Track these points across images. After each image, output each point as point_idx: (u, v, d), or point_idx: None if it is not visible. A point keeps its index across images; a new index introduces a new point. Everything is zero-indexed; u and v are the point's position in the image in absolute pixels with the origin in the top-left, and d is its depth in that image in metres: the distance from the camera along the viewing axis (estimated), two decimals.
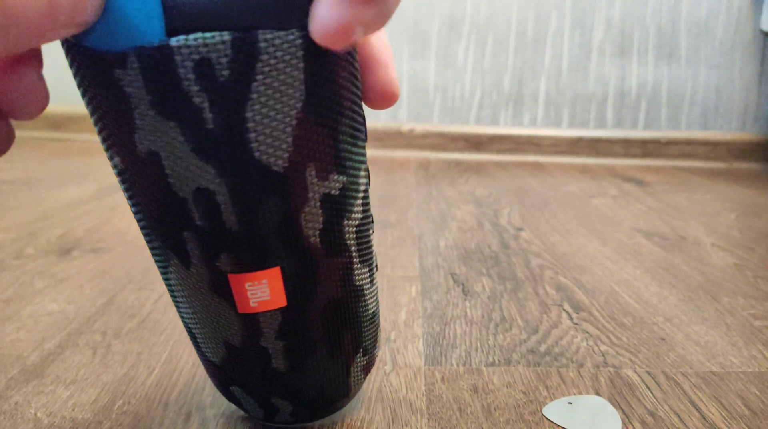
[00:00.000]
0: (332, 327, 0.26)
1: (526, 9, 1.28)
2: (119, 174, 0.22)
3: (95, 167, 1.03)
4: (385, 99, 0.24)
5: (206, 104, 0.19)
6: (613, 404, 0.33)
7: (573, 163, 1.29)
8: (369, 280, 0.27)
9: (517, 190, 0.97)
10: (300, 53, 0.19)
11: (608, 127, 1.32)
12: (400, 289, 0.51)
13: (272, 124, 0.20)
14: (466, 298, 0.49)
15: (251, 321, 0.24)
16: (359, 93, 0.23)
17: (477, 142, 1.31)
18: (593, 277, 0.55)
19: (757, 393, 0.35)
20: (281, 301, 0.23)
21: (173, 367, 0.36)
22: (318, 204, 0.22)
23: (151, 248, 0.24)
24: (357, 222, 0.25)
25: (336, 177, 0.23)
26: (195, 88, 0.19)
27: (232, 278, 0.22)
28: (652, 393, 0.35)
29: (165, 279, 0.25)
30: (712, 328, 0.45)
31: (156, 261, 0.24)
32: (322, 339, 0.26)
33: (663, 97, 1.31)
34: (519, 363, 0.38)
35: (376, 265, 0.29)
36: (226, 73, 0.19)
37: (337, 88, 0.21)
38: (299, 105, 0.20)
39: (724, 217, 0.82)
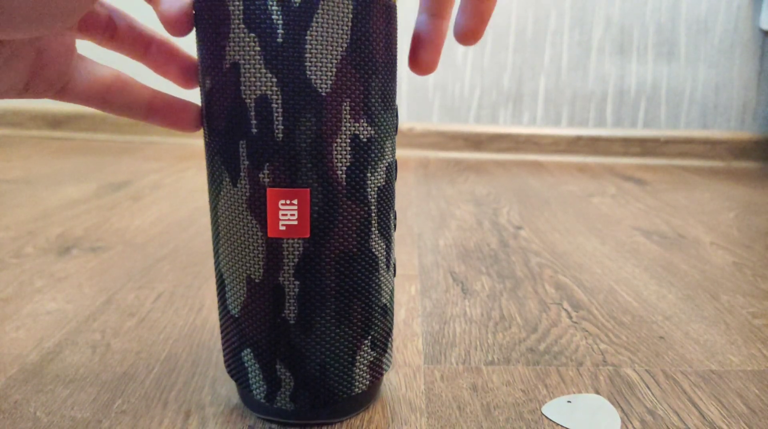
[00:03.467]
0: (343, 286, 0.28)
1: (525, 8, 1.28)
2: (206, 95, 0.27)
3: (95, 166, 1.03)
4: (425, 69, 0.30)
5: (281, 22, 0.25)
6: (612, 403, 0.34)
7: (572, 161, 1.29)
8: (385, 258, 0.30)
9: (517, 189, 0.97)
10: (350, 6, 0.25)
11: (607, 126, 1.32)
12: (399, 287, 0.51)
13: (323, 52, 0.25)
14: (465, 297, 0.49)
15: (276, 247, 0.27)
16: (393, 63, 0.28)
17: (476, 141, 1.31)
18: (592, 276, 0.55)
19: (757, 391, 0.35)
20: (305, 231, 0.27)
21: (172, 366, 0.36)
22: (348, 140, 0.27)
23: (210, 173, 0.28)
24: (380, 184, 0.29)
25: (365, 124, 0.27)
26: (275, 8, 0.25)
27: (270, 193, 0.26)
28: (651, 391, 0.35)
29: (214, 208, 0.29)
30: (711, 327, 0.45)
31: (210, 187, 0.28)
32: (333, 296, 0.28)
33: (662, 96, 1.31)
34: (518, 362, 0.38)
35: (395, 264, 0.31)
36: (298, 0, 0.25)
37: (375, 46, 0.27)
38: (344, 46, 0.26)
39: (723, 216, 0.82)
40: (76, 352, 0.38)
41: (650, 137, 1.30)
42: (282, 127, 0.26)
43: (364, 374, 0.30)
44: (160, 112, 0.29)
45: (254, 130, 0.26)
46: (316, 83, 0.26)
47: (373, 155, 0.28)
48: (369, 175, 0.28)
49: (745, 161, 1.31)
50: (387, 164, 0.29)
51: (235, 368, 0.30)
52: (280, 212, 0.26)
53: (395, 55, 0.28)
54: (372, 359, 0.30)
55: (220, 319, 0.30)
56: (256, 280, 0.28)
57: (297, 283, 0.27)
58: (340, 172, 0.27)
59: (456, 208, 0.82)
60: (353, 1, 0.25)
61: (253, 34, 0.25)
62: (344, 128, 0.26)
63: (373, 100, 0.27)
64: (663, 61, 1.29)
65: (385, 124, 0.28)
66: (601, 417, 0.32)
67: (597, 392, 0.35)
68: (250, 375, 0.29)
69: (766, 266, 0.60)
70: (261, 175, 0.26)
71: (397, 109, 0.29)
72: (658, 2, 1.27)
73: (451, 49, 1.29)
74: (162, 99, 0.29)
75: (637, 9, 1.27)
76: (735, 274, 0.57)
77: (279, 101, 0.25)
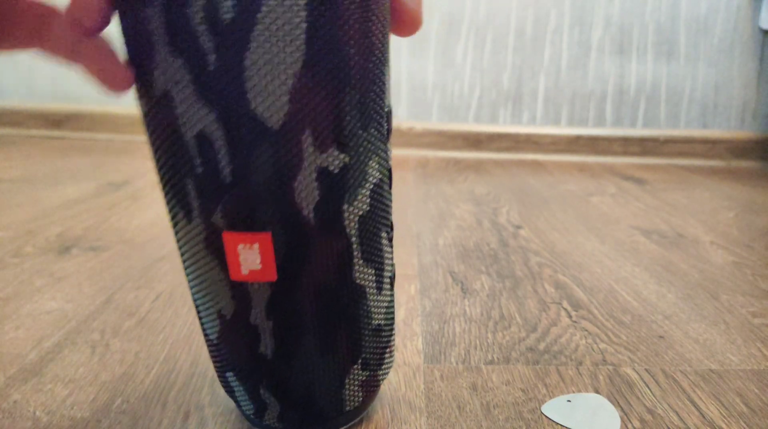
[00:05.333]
0: (324, 319, 0.25)
1: (525, 7, 1.27)
2: (144, 116, 0.23)
3: (94, 166, 1.03)
4: (407, 25, 0.25)
5: (210, 45, 0.20)
6: (612, 402, 0.33)
7: (572, 161, 1.29)
8: (375, 283, 0.26)
9: (516, 189, 0.97)
10: (303, 12, 0.20)
11: (607, 125, 1.32)
12: (399, 287, 0.51)
13: (268, 77, 0.21)
14: (465, 297, 0.49)
15: (242, 291, 0.24)
16: (376, 70, 0.23)
17: (476, 141, 1.31)
18: (592, 275, 0.55)
19: (756, 391, 0.35)
20: (271, 274, 0.24)
21: (172, 366, 0.36)
22: (314, 175, 0.22)
23: (166, 203, 0.25)
24: (361, 212, 0.24)
25: (336, 153, 0.23)
26: (202, 28, 0.20)
27: (226, 237, 0.23)
28: (651, 391, 0.35)
29: (176, 239, 0.26)
30: (711, 326, 0.45)
31: (170, 218, 0.25)
32: (312, 330, 0.25)
33: (662, 95, 1.31)
34: (518, 361, 0.38)
35: (392, 279, 0.28)
36: (229, 16, 0.20)
37: (343, 56, 0.21)
38: (297, 64, 0.21)
39: (722, 215, 0.82)
40: (76, 352, 0.38)
41: (650, 137, 1.30)
42: (229, 168, 0.22)
43: (356, 393, 0.28)
44: (88, 53, 0.23)
45: (198, 170, 0.22)
46: (263, 116, 0.21)
47: (350, 184, 0.24)
48: (346, 206, 0.24)
49: (745, 161, 1.31)
50: (372, 186, 0.25)
51: (224, 386, 0.29)
52: (241, 257, 0.23)
53: (382, 53, 0.23)
54: (364, 378, 0.28)
55: (205, 341, 0.29)
56: (227, 317, 0.25)
57: (270, 322, 0.25)
58: (307, 211, 0.23)
59: (455, 207, 0.82)
60: (307, 4, 0.20)
61: (180, 60, 0.21)
62: (307, 163, 0.22)
63: (346, 122, 0.23)
64: (663, 61, 1.29)
65: (365, 143, 0.24)
66: (600, 416, 0.32)
67: (597, 391, 0.35)
68: (237, 394, 0.28)
69: (765, 266, 0.60)
70: (214, 218, 0.23)
71: (388, 112, 0.25)
72: (658, 2, 1.27)
73: (450, 48, 1.29)
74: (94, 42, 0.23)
75: (636, 8, 1.27)
76: (735, 274, 0.57)
77: (221, 138, 0.22)
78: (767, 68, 1.29)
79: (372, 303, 0.27)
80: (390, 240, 0.27)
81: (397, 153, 1.31)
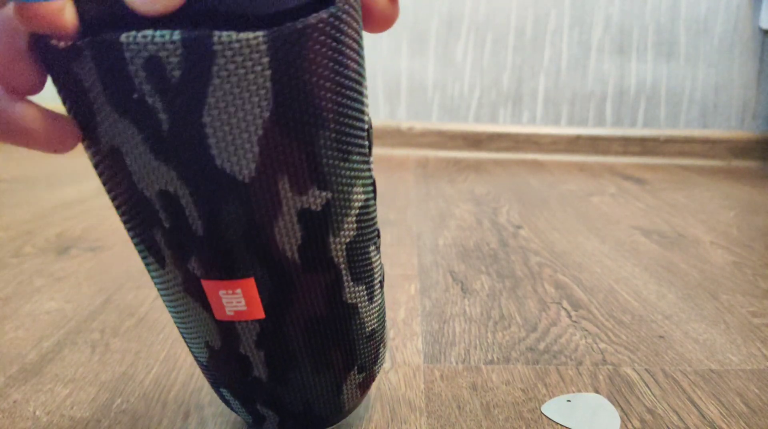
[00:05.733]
0: (317, 344, 0.25)
1: (525, 7, 1.27)
2: (95, 166, 0.21)
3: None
4: (381, 23, 0.22)
5: (159, 105, 0.18)
6: (612, 402, 0.33)
7: (572, 161, 1.29)
8: (366, 297, 0.26)
9: (516, 188, 0.97)
10: (265, 58, 0.18)
11: (607, 125, 1.32)
12: (399, 287, 0.51)
13: (234, 131, 0.19)
14: (465, 296, 0.49)
15: (229, 328, 0.23)
16: (353, 102, 0.21)
17: (476, 140, 1.31)
18: (592, 275, 0.55)
19: (756, 391, 0.35)
20: (258, 313, 0.23)
21: (172, 365, 0.36)
22: (294, 219, 0.21)
23: (134, 244, 0.23)
24: (348, 239, 0.23)
25: (317, 192, 0.21)
26: (147, 87, 0.18)
27: (205, 284, 0.22)
28: (651, 391, 0.35)
29: (151, 279, 0.24)
30: (711, 326, 0.45)
31: (145, 265, 0.24)
32: (306, 355, 0.25)
33: (662, 95, 1.31)
34: (518, 361, 0.38)
35: (382, 282, 0.28)
36: (177, 74, 0.18)
37: (316, 98, 0.20)
38: (266, 114, 0.19)
39: (722, 215, 0.82)
40: (76, 352, 0.38)
41: (650, 136, 1.30)
42: (200, 223, 0.20)
43: (354, 394, 0.28)
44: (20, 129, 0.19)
45: (166, 224, 0.21)
46: (232, 171, 0.19)
47: (334, 217, 0.22)
48: (332, 238, 0.23)
49: (745, 160, 1.31)
50: (358, 211, 0.23)
51: (220, 397, 0.29)
52: (224, 300, 0.22)
53: (357, 75, 0.21)
54: (361, 380, 0.28)
55: (193, 357, 0.28)
56: (216, 348, 0.25)
57: (262, 352, 0.24)
58: (291, 253, 0.22)
59: (455, 207, 0.82)
60: (270, 46, 0.18)
61: (126, 120, 0.19)
62: (286, 208, 0.21)
63: (324, 161, 0.21)
64: (662, 61, 1.29)
65: (347, 173, 0.22)
66: (600, 416, 0.32)
67: (596, 391, 0.35)
68: (233, 406, 0.28)
69: (765, 265, 0.60)
70: (189, 267, 0.22)
71: (368, 129, 0.23)
72: (658, 2, 1.27)
73: (450, 48, 1.29)
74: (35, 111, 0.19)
75: (636, 9, 1.27)
76: (735, 274, 0.57)
77: (187, 197, 0.20)
78: (767, 68, 1.29)
79: (364, 314, 0.26)
80: (378, 248, 0.26)
81: (397, 153, 1.31)
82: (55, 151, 0.20)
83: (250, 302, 0.22)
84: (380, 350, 0.29)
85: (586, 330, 0.43)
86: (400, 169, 1.12)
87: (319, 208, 0.21)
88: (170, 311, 0.25)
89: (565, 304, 0.48)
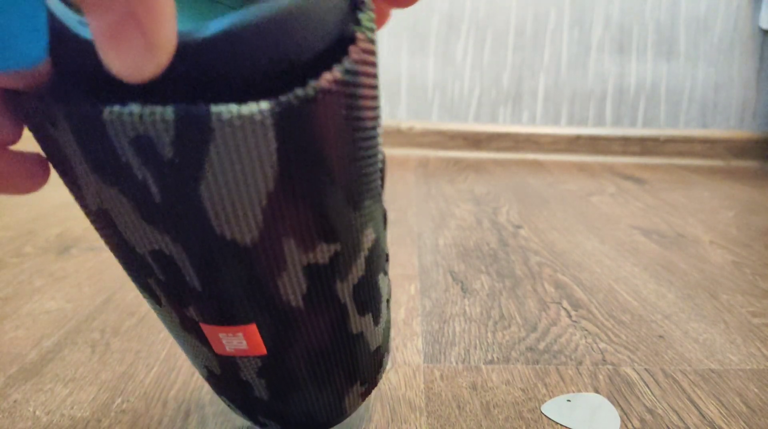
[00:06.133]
0: (320, 370, 0.24)
1: (525, 6, 1.27)
2: (87, 216, 0.20)
3: None
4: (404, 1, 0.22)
5: (150, 179, 0.16)
6: (611, 402, 0.34)
7: (572, 160, 1.29)
8: (372, 323, 0.25)
9: (516, 188, 0.97)
10: (271, 133, 0.16)
11: (607, 125, 1.32)
12: (399, 287, 0.51)
13: (235, 204, 0.17)
14: (465, 296, 0.49)
15: (229, 360, 0.23)
16: (368, 151, 0.20)
17: (476, 140, 1.31)
18: (592, 275, 0.55)
19: (756, 390, 0.35)
20: (260, 351, 0.22)
21: (172, 365, 0.36)
22: (300, 273, 0.20)
23: (138, 288, 0.22)
24: (356, 281, 0.22)
25: (324, 247, 0.20)
26: (135, 162, 0.16)
27: (205, 328, 0.21)
28: (650, 390, 0.35)
29: (156, 314, 0.24)
30: (711, 326, 0.45)
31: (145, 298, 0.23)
32: (308, 379, 0.24)
33: (662, 95, 1.31)
34: (518, 361, 0.38)
35: (389, 300, 0.27)
36: (169, 152, 0.16)
37: (326, 162, 0.18)
38: (270, 185, 0.17)
39: (722, 215, 0.82)
40: (76, 352, 0.38)
41: (649, 136, 1.30)
42: (197, 280, 0.19)
43: (356, 401, 0.28)
44: None
45: (161, 277, 0.20)
46: (233, 238, 0.18)
47: (342, 266, 0.21)
48: (339, 284, 0.21)
49: (745, 160, 1.31)
50: (368, 252, 0.22)
51: (220, 400, 0.29)
52: (224, 341, 0.21)
53: (373, 124, 0.20)
54: (363, 390, 0.27)
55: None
56: (217, 373, 0.24)
57: (263, 381, 0.24)
58: (295, 302, 0.21)
59: (455, 207, 0.82)
60: (275, 123, 0.16)
61: (114, 190, 0.17)
62: (291, 265, 0.19)
63: (333, 217, 0.19)
64: (662, 60, 1.29)
65: (359, 220, 0.21)
66: (600, 416, 0.32)
67: (596, 391, 0.35)
68: (234, 413, 0.28)
69: (765, 265, 0.60)
70: (188, 313, 0.21)
71: (382, 167, 0.22)
72: (658, 1, 1.27)
73: (450, 48, 1.29)
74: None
75: (636, 8, 1.27)
76: (734, 273, 0.57)
77: (183, 259, 0.19)
78: (767, 68, 1.29)
79: (369, 337, 0.25)
80: (386, 272, 0.25)
81: (397, 152, 1.31)
82: (25, 193, 0.19)
83: (251, 343, 0.21)
84: (384, 359, 0.28)
85: (586, 330, 0.43)
86: (400, 168, 1.12)
87: (326, 261, 0.20)
88: (176, 340, 0.25)
89: (564, 303, 0.48)
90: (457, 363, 0.38)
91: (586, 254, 0.62)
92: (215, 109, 0.15)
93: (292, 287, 0.20)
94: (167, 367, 0.36)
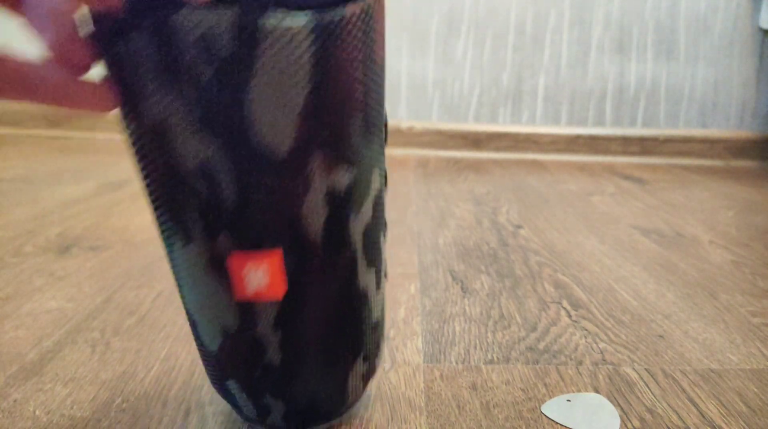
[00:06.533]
0: (331, 328, 0.25)
1: (524, 6, 1.27)
2: (133, 144, 0.22)
3: (94, 165, 1.03)
4: None
5: (208, 77, 0.19)
6: (611, 401, 0.34)
7: (571, 160, 1.29)
8: (375, 285, 0.27)
9: (516, 188, 0.97)
10: (307, 44, 0.19)
11: (607, 125, 1.32)
12: (399, 286, 0.51)
13: (275, 107, 0.20)
14: (464, 296, 0.49)
15: (247, 310, 0.24)
16: (378, 90, 0.23)
17: (476, 140, 1.31)
18: (591, 275, 0.55)
19: (756, 390, 0.35)
20: (279, 291, 0.23)
21: (172, 364, 0.36)
22: (322, 195, 0.22)
23: (159, 225, 0.24)
24: (366, 222, 0.25)
25: (344, 172, 0.23)
26: (199, 60, 0.19)
27: (232, 259, 0.22)
28: (650, 390, 0.35)
29: (170, 259, 0.25)
30: (710, 326, 0.45)
31: (163, 239, 0.24)
32: (319, 339, 0.25)
33: (661, 94, 1.31)
34: (518, 360, 0.38)
35: (386, 273, 0.28)
36: (228, 49, 0.19)
37: (348, 83, 0.21)
38: (306, 91, 0.20)
39: (721, 215, 0.82)
40: (76, 351, 0.38)
41: (649, 136, 1.30)
42: (234, 195, 0.21)
43: (358, 386, 0.29)
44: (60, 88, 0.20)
45: (202, 196, 0.22)
46: (270, 146, 0.21)
47: (356, 197, 0.24)
48: (352, 218, 0.24)
49: (744, 160, 1.32)
50: (374, 197, 0.25)
51: (222, 393, 0.29)
52: (246, 277, 0.23)
53: (381, 68, 0.23)
54: (364, 371, 0.29)
55: (198, 349, 0.28)
56: (231, 332, 0.25)
57: (277, 335, 0.25)
58: (316, 229, 0.23)
59: (455, 207, 0.82)
60: (312, 33, 0.20)
61: (175, 92, 0.20)
62: (316, 185, 0.22)
63: (352, 142, 0.22)
64: (662, 60, 1.29)
65: (369, 154, 0.24)
66: (600, 416, 0.32)
67: (596, 391, 0.35)
68: (238, 400, 0.28)
69: (764, 265, 0.60)
70: (218, 242, 0.22)
71: (385, 122, 0.25)
72: (658, 1, 1.27)
73: (450, 47, 1.29)
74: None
75: (636, 7, 1.27)
76: (734, 273, 0.57)
77: (225, 169, 0.21)
78: (766, 67, 1.29)
79: (372, 302, 0.27)
80: (385, 238, 0.27)
81: (397, 152, 1.31)
82: (99, 112, 0.22)
83: (273, 278, 0.23)
84: (381, 342, 0.30)
85: (586, 329, 0.43)
86: (400, 168, 1.12)
87: (344, 188, 0.23)
88: (187, 299, 0.25)
89: (564, 303, 0.48)
90: (457, 363, 0.38)
91: (586, 254, 0.62)
92: (267, 15, 0.19)
93: (314, 213, 0.22)
94: (167, 366, 0.36)
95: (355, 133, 0.22)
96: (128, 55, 0.20)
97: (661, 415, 0.32)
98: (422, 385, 0.35)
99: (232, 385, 0.27)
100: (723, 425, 0.31)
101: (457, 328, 0.43)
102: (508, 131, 1.31)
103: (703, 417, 0.32)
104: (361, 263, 0.25)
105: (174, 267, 0.25)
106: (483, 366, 0.37)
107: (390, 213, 0.76)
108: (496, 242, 0.65)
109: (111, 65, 0.20)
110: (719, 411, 0.33)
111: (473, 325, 0.43)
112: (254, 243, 0.22)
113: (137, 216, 0.71)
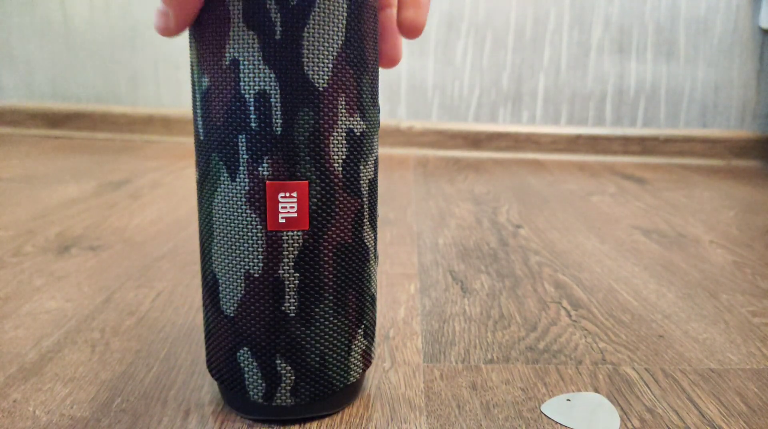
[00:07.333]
0: (340, 275, 0.29)
1: (524, 6, 1.27)
2: (203, 94, 0.28)
3: (94, 165, 1.03)
4: (390, 62, 0.31)
5: (278, 20, 0.26)
6: (611, 401, 0.34)
7: (572, 160, 1.29)
8: (373, 249, 0.31)
9: (516, 188, 0.97)
10: (345, 6, 0.27)
11: (607, 125, 1.32)
12: (399, 286, 0.51)
13: (319, 49, 0.26)
14: (464, 296, 0.49)
15: (275, 241, 0.28)
16: (377, 66, 0.29)
17: (476, 140, 1.31)
18: (592, 275, 0.55)
19: (756, 390, 0.35)
20: (305, 223, 0.28)
21: (172, 364, 0.36)
22: (344, 134, 0.28)
23: (204, 170, 0.29)
24: (370, 176, 0.30)
25: (359, 119, 0.29)
26: (274, 7, 0.26)
27: (270, 186, 0.27)
28: (650, 390, 0.35)
29: (206, 207, 0.29)
30: (711, 326, 0.45)
31: (204, 185, 0.29)
32: (330, 288, 0.29)
33: (662, 95, 1.31)
34: (518, 360, 0.38)
35: (377, 256, 0.32)
36: (294, 1, 0.26)
37: (365, 47, 0.28)
38: (339, 43, 0.27)
39: (722, 215, 0.82)
40: (76, 351, 0.38)
41: (650, 136, 1.30)
42: (281, 122, 0.27)
43: (358, 362, 0.31)
44: None
45: (253, 125, 0.27)
46: (313, 78, 0.27)
47: (365, 148, 0.29)
48: (362, 167, 0.29)
49: (745, 160, 1.31)
50: (375, 158, 0.30)
51: (229, 371, 0.30)
52: (280, 205, 0.27)
53: (378, 55, 0.30)
54: (364, 348, 0.31)
55: (209, 323, 0.30)
56: (255, 275, 0.28)
57: (297, 275, 0.28)
58: (337, 165, 0.28)
59: (455, 206, 0.82)
60: (348, 1, 0.27)
61: (252, 32, 0.26)
62: (340, 122, 0.28)
63: (364, 96, 0.29)
64: (662, 60, 1.29)
65: (373, 119, 0.30)
66: (600, 415, 0.32)
67: (596, 391, 0.35)
68: (246, 375, 0.29)
69: (765, 265, 0.60)
70: (260, 169, 0.27)
71: (379, 105, 0.31)
72: (658, 1, 1.27)
73: (450, 48, 1.29)
74: None
75: (636, 8, 1.27)
76: (734, 273, 0.57)
77: (278, 96, 0.26)
78: (767, 68, 1.29)
79: (371, 268, 0.31)
80: (376, 224, 0.32)
81: (397, 152, 1.31)
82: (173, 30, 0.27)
83: (301, 208, 0.27)
84: (374, 329, 0.33)
85: (586, 329, 0.43)
86: (400, 168, 1.12)
87: (358, 133, 0.29)
88: (216, 244, 0.29)
89: (564, 303, 0.48)
90: (456, 362, 0.38)
91: (586, 254, 0.62)
92: None
93: (337, 149, 0.28)
94: (167, 366, 0.36)
95: (366, 90, 0.29)
96: (217, 6, 0.26)
97: (661, 414, 0.32)
98: (422, 384, 0.35)
99: (243, 355, 0.29)
100: (723, 425, 0.31)
101: (457, 328, 0.43)
102: (508, 131, 1.31)
103: (703, 417, 0.32)
104: (366, 217, 0.30)
105: (209, 216, 0.29)
106: (483, 366, 0.37)
107: (390, 213, 0.76)
108: (496, 242, 0.65)
109: (205, 12, 0.27)
110: (719, 411, 0.33)
111: (473, 324, 0.43)
112: (288, 173, 0.27)
113: (137, 216, 0.71)
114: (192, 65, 0.29)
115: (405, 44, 1.29)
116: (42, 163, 1.04)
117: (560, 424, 0.31)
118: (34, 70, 1.35)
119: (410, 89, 1.31)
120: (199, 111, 0.28)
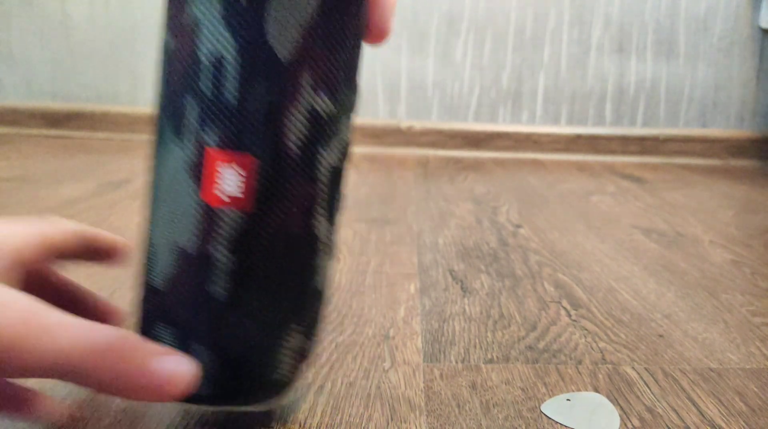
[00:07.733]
0: (279, 264, 0.27)
1: (524, 6, 1.27)
2: (166, 53, 0.26)
3: (94, 165, 1.03)
4: (377, 36, 0.28)
5: None
6: (611, 401, 0.34)
7: (571, 160, 1.29)
8: (326, 240, 0.28)
9: (516, 188, 0.97)
10: None
11: (606, 125, 1.32)
12: (398, 286, 0.51)
13: (287, 18, 0.25)
14: (464, 295, 0.49)
15: (213, 217, 0.26)
16: (359, 44, 0.27)
17: (476, 140, 1.31)
18: (591, 274, 0.55)
19: (755, 390, 0.35)
20: (249, 204, 0.26)
21: None
22: (305, 112, 0.26)
23: (155, 124, 0.27)
24: (333, 164, 0.27)
25: (326, 99, 0.26)
26: None
27: (212, 154, 0.25)
28: (650, 389, 0.35)
29: (155, 165, 0.27)
30: (710, 325, 0.45)
31: (156, 133, 0.27)
32: (267, 274, 0.27)
33: (661, 94, 1.31)
34: (517, 360, 0.38)
35: (333, 250, 0.30)
36: None
37: (344, 21, 0.26)
38: (312, 14, 0.25)
39: (721, 214, 0.82)
40: None
41: (649, 136, 1.30)
42: (235, 90, 0.25)
43: (289, 359, 0.28)
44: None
45: (205, 89, 0.25)
46: (276, 49, 0.25)
47: (329, 131, 0.27)
48: (322, 151, 0.27)
49: (744, 160, 1.32)
50: (342, 143, 0.28)
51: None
52: (220, 176, 0.25)
53: (365, 31, 0.27)
54: (299, 344, 0.29)
55: (138, 292, 0.28)
56: (188, 251, 0.26)
57: (232, 258, 0.26)
58: (292, 145, 0.26)
59: (455, 206, 0.82)
60: None
61: None
62: (302, 99, 0.26)
63: (337, 74, 0.26)
64: (662, 60, 1.29)
65: (345, 100, 0.27)
66: (600, 415, 0.32)
67: (596, 390, 0.35)
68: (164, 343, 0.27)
69: (764, 264, 0.60)
70: (206, 137, 0.25)
71: (358, 86, 0.28)
72: (657, 1, 1.27)
73: (450, 47, 1.29)
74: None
75: (636, 7, 1.27)
76: (734, 273, 0.57)
77: (234, 63, 0.25)
78: (766, 67, 1.29)
79: (319, 261, 0.28)
80: (339, 211, 0.29)
81: (397, 152, 1.31)
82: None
83: (247, 187, 0.25)
84: (319, 321, 0.30)
85: (586, 329, 0.43)
86: (399, 168, 1.12)
87: (323, 114, 0.26)
88: (158, 208, 0.27)
89: (564, 303, 0.48)
90: (456, 362, 0.38)
91: (586, 254, 0.62)
92: None
93: (295, 128, 0.26)
94: None
95: (339, 69, 0.26)
96: None
97: (660, 414, 0.32)
98: (422, 384, 0.35)
99: (162, 331, 0.27)
100: (723, 424, 0.31)
101: (457, 328, 0.43)
102: (508, 131, 1.31)
103: (703, 416, 0.32)
104: (321, 206, 0.27)
105: (157, 174, 0.27)
106: (483, 365, 0.37)
107: (390, 212, 0.76)
108: (495, 242, 0.65)
109: None
110: (719, 410, 0.33)
111: (473, 324, 0.43)
112: (234, 145, 0.25)
113: (137, 216, 0.71)
114: (164, 26, 0.27)
115: (405, 43, 1.29)
116: (42, 162, 1.04)
117: (560, 424, 0.31)
118: (34, 69, 1.35)
119: (410, 89, 1.31)
120: (159, 70, 0.27)
